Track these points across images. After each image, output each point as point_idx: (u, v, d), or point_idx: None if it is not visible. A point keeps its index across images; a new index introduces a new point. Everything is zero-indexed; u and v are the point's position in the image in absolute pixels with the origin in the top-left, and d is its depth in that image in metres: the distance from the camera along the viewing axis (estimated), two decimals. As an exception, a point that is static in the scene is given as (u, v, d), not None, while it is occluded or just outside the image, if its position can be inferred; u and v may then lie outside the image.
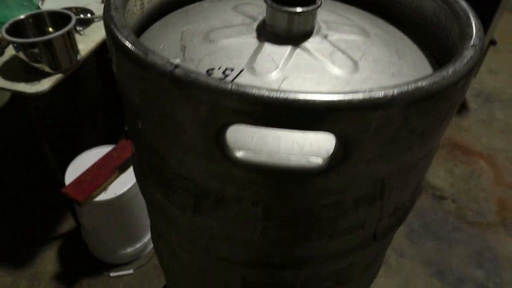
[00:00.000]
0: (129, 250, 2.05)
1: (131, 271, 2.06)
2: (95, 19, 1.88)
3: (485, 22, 2.61)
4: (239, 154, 0.52)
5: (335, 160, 0.51)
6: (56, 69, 1.60)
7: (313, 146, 0.56)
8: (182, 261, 0.81)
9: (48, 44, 1.54)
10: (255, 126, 0.48)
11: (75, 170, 1.87)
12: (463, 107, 3.29)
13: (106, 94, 3.21)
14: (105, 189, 1.82)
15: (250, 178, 0.54)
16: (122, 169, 1.88)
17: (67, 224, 2.28)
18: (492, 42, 2.81)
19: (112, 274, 2.05)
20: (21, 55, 1.54)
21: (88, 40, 1.79)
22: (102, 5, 0.83)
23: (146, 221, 2.03)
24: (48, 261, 2.11)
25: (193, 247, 0.71)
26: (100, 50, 1.82)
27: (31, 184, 2.48)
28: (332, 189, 0.56)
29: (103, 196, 1.80)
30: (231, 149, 0.52)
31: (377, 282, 2.09)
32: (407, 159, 0.60)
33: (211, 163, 0.54)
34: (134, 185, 1.86)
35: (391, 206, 0.63)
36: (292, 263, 0.60)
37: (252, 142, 0.56)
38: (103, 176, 1.81)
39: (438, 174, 2.70)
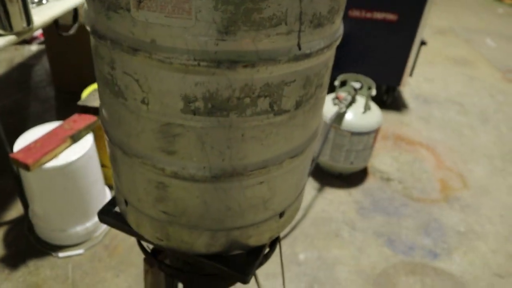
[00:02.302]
0: (79, 229, 1.98)
1: (81, 251, 1.99)
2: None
3: (415, 23, 2.88)
4: None
5: None
6: (8, 30, 1.62)
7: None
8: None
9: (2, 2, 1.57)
10: None
11: (25, 141, 1.83)
12: (404, 106, 3.51)
13: (55, 73, 3.18)
14: (55, 156, 1.79)
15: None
16: (74, 139, 1.87)
17: (14, 212, 2.19)
18: (423, 43, 3.07)
19: (60, 255, 1.97)
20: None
21: (50, 10, 1.84)
22: None
23: (97, 199, 2.00)
24: (-9, 246, 2.01)
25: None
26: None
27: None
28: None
29: (53, 163, 1.77)
30: None
31: (331, 253, 2.13)
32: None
33: None
34: (86, 154, 1.84)
35: (310, 11, 0.67)
36: (226, 61, 0.64)
37: None
38: (54, 143, 1.79)
39: (384, 161, 2.83)
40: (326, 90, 0.87)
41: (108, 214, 1.05)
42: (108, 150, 0.93)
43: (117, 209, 1.07)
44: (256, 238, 0.93)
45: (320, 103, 0.85)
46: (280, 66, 0.68)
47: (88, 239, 2.05)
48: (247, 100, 0.69)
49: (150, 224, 0.91)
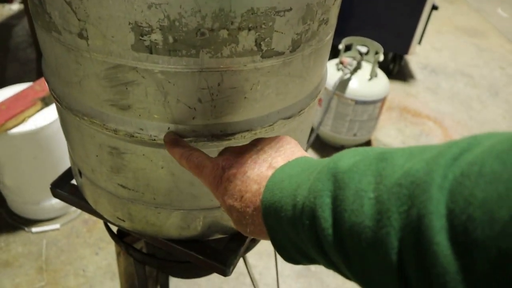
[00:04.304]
0: (54, 201, 1.80)
1: (57, 226, 1.82)
2: None
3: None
4: None
5: None
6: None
7: None
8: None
9: None
10: None
11: (-10, 104, 1.64)
12: (411, 77, 3.30)
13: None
14: (24, 120, 1.60)
15: None
16: (46, 102, 1.67)
17: (-15, 184, 2.01)
18: (434, 7, 2.83)
19: (34, 230, 1.80)
20: None
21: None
22: None
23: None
24: (-42, 220, 1.84)
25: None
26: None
27: None
28: None
29: (21, 128, 1.57)
30: None
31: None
32: None
33: None
34: (57, 119, 1.65)
35: None
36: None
37: None
38: (22, 106, 1.60)
39: (389, 133, 2.64)
40: (332, 32, 0.67)
41: (63, 187, 0.86)
42: (57, 112, 0.74)
43: (74, 181, 0.89)
44: (241, 219, 0.74)
45: (324, 49, 0.65)
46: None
47: (65, 213, 1.88)
48: (224, 32, 0.49)
49: (108, 201, 0.73)
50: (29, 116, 1.61)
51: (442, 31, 4.15)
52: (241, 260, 1.76)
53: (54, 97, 0.66)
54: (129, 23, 0.48)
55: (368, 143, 2.53)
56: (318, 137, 2.46)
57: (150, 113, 0.56)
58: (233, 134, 0.59)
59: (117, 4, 0.47)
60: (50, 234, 1.80)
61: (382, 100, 2.19)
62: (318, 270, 1.77)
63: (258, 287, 1.45)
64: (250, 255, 1.70)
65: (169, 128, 0.57)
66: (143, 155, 0.61)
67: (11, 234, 1.79)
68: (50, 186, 0.86)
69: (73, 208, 1.89)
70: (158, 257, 0.87)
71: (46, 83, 0.68)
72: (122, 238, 0.90)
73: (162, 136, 0.57)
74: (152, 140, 0.58)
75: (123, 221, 0.74)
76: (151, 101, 0.54)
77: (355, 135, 2.26)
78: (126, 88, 0.54)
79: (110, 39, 0.50)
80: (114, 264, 1.71)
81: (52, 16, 0.53)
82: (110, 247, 1.78)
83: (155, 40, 0.49)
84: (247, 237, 0.79)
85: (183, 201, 0.67)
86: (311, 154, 2.38)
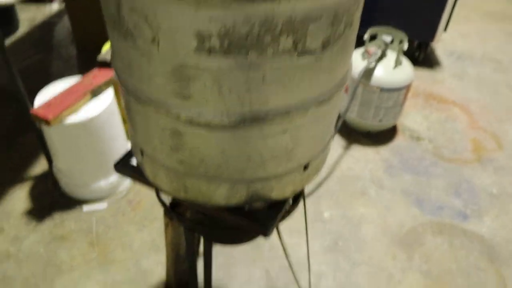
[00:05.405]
0: (103, 183, 1.99)
1: (105, 206, 2.00)
2: None
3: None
4: None
5: None
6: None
7: None
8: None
9: None
10: None
11: (44, 97, 1.81)
12: (437, 64, 3.34)
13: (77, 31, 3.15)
14: (76, 111, 1.77)
15: None
16: (94, 94, 1.84)
17: (39, 168, 2.21)
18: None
19: (85, 209, 1.99)
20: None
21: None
22: None
23: (119, 154, 1.98)
24: (18, 199, 2.04)
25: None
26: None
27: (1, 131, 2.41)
28: None
29: (74, 118, 1.74)
30: None
31: (357, 211, 2.08)
32: None
33: None
34: (106, 109, 1.81)
35: None
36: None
37: None
38: (74, 98, 1.76)
39: (415, 119, 2.72)
40: (356, 32, 0.78)
41: (125, 165, 1.02)
42: (122, 99, 0.89)
43: (134, 162, 1.04)
44: (279, 191, 0.88)
45: (349, 46, 0.77)
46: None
47: (112, 194, 2.05)
48: (268, 37, 0.62)
49: (166, 175, 0.87)
50: (81, 107, 1.78)
51: (469, 17, 4.14)
52: (274, 235, 1.90)
53: (124, 90, 0.80)
54: (193, 32, 0.61)
55: (393, 128, 2.62)
56: (345, 123, 2.57)
57: (207, 101, 0.69)
58: (274, 118, 0.72)
59: (184, 17, 0.60)
60: (99, 212, 1.99)
61: (407, 87, 2.27)
62: (346, 246, 1.90)
63: (289, 256, 1.59)
64: (282, 231, 1.83)
65: (221, 113, 0.70)
66: (199, 136, 0.75)
67: (64, 212, 1.98)
68: (114, 165, 1.01)
69: (119, 190, 2.07)
70: (206, 225, 1.01)
71: (118, 81, 0.82)
72: (174, 208, 1.05)
73: (216, 120, 0.71)
74: (208, 123, 0.71)
75: (179, 192, 0.88)
76: (208, 92, 0.68)
77: (380, 121, 2.36)
78: (188, 82, 0.68)
79: (177, 44, 0.63)
80: (158, 239, 1.88)
81: (129, 27, 0.67)
82: (153, 224, 1.95)
83: (213, 44, 0.62)
84: (284, 205, 0.92)
85: (231, 174, 0.81)
86: (337, 140, 2.50)
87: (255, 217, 0.88)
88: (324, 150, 0.93)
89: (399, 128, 2.64)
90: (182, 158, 0.80)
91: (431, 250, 1.93)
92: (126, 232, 1.91)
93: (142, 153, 0.91)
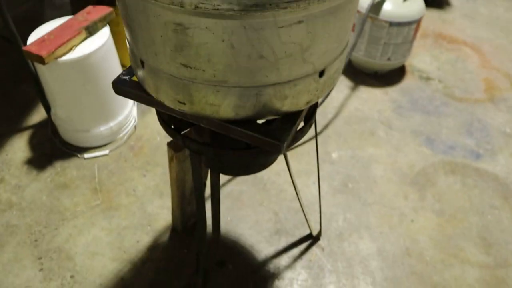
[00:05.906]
0: (103, 129, 1.91)
1: (106, 152, 1.94)
2: None
3: None
4: None
5: None
6: None
7: None
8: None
9: None
10: None
11: (37, 35, 1.71)
12: (447, 4, 3.20)
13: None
14: (71, 49, 1.67)
15: None
16: (90, 31, 1.74)
17: (37, 116, 2.14)
18: None
19: (86, 156, 1.92)
20: None
21: None
22: None
23: (119, 99, 1.90)
24: (17, 149, 1.97)
25: None
26: None
27: (-6, 83, 2.33)
28: None
29: (69, 56, 1.65)
30: None
31: (366, 151, 2.02)
32: None
33: None
34: (103, 46, 1.72)
35: None
36: None
37: None
38: (68, 35, 1.67)
39: (424, 60, 2.61)
40: None
41: (124, 84, 0.94)
42: (120, 6, 0.80)
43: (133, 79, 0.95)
44: (292, 100, 0.80)
45: None
46: None
47: (113, 140, 1.99)
48: None
49: (170, 86, 0.79)
50: (76, 45, 1.69)
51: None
52: (281, 175, 1.84)
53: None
54: None
55: (402, 69, 2.52)
56: (350, 63, 2.47)
57: (213, -18, 0.61)
58: (289, 2, 0.63)
59: None
60: (101, 159, 1.92)
61: (417, 22, 2.16)
62: (356, 187, 1.85)
63: (299, 192, 1.53)
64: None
65: (230, -4, 0.62)
66: (206, 28, 0.66)
67: (65, 160, 1.92)
68: (112, 83, 0.93)
69: (120, 135, 2.00)
70: (213, 145, 0.94)
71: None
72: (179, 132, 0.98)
73: (224, 5, 0.62)
74: (216, 9, 0.63)
75: (184, 104, 0.81)
76: (214, -30, 0.59)
77: (389, 59, 2.26)
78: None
79: None
80: (161, 184, 1.83)
81: None
82: (156, 169, 1.89)
83: None
84: (298, 118, 0.85)
85: (240, 77, 0.73)
86: (343, 81, 2.41)
87: (268, 130, 0.81)
88: (340, 56, 0.85)
89: (408, 69, 2.54)
90: (188, 60, 0.72)
91: (443, 189, 1.88)
92: (129, 178, 1.85)
93: (143, 64, 0.83)
